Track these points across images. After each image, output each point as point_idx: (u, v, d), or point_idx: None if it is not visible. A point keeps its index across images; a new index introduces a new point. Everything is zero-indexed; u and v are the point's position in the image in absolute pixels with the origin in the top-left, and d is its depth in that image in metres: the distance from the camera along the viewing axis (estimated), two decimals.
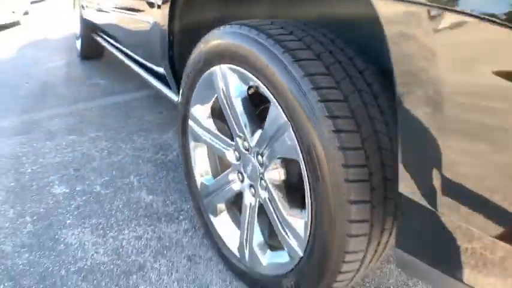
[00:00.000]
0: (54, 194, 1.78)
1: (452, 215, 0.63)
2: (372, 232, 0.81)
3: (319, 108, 0.76)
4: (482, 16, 0.51)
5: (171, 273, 1.28)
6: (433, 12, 0.56)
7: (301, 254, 0.93)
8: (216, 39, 1.03)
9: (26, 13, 10.66)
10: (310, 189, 0.84)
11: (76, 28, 4.25)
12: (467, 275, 0.65)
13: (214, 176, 1.30)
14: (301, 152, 0.82)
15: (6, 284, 1.30)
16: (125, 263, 1.34)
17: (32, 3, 12.67)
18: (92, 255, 1.39)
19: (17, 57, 5.03)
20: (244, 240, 1.13)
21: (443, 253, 0.68)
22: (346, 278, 0.89)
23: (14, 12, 8.58)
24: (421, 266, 0.73)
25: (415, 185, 0.68)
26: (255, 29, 0.90)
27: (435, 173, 0.64)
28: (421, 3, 0.58)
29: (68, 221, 1.58)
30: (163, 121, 2.47)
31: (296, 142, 0.83)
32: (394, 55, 0.64)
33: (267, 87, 0.88)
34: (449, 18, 0.55)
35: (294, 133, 0.83)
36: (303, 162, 0.83)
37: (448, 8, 0.54)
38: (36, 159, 2.13)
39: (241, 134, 1.05)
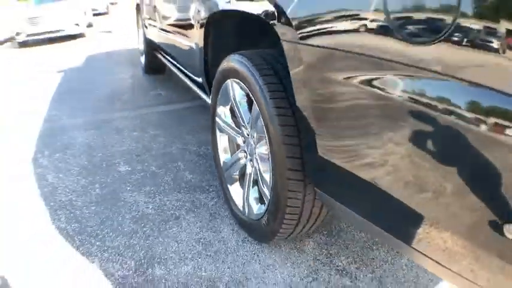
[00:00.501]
0: (119, 170, 2.41)
1: (344, 165, 1.11)
2: (306, 190, 1.30)
3: (271, 102, 1.28)
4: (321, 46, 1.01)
5: (197, 223, 1.83)
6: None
7: (268, 201, 1.45)
8: (228, 62, 1.59)
9: (89, 25, 11.87)
10: (270, 160, 1.35)
11: (140, 45, 5.03)
12: (363, 209, 1.10)
13: (231, 155, 1.85)
14: (266, 131, 1.34)
15: (73, 226, 1.90)
16: (165, 214, 1.91)
17: (94, 15, 13.90)
18: (143, 209, 1.98)
19: (85, 67, 5.95)
20: (245, 198, 1.65)
21: (347, 192, 1.15)
22: (289, 226, 1.39)
23: (77, 24, 9.65)
24: (336, 204, 1.20)
25: (323, 150, 1.16)
26: (245, 57, 1.44)
27: (327, 144, 1.12)
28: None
29: (128, 188, 2.19)
30: (209, 124, 3.06)
31: (263, 124, 1.35)
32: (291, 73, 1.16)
33: (250, 92, 1.42)
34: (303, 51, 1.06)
35: (262, 119, 1.35)
36: (266, 138, 1.35)
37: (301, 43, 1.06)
38: (106, 147, 2.79)
39: (244, 125, 1.59)
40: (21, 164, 2.63)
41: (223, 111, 1.80)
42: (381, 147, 0.91)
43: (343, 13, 0.94)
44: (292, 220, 1.38)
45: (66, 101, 4.10)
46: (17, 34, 9.40)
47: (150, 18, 3.84)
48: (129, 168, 2.43)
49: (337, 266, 1.52)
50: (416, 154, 0.82)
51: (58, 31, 9.34)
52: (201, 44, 2.03)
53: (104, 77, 5.09)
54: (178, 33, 2.69)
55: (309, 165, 1.25)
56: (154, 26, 3.67)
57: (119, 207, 2.02)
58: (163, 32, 3.23)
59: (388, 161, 0.91)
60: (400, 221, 0.95)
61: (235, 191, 1.79)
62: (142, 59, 4.89)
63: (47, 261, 1.65)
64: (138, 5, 4.73)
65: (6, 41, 10.70)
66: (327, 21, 0.99)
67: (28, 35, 9.32)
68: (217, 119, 1.84)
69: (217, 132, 1.88)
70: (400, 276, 1.45)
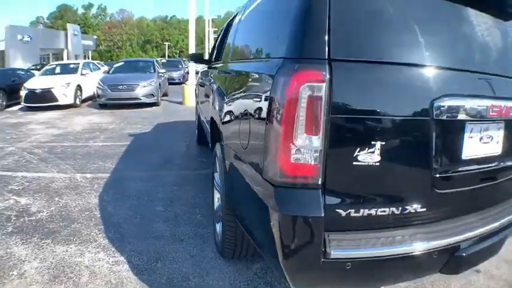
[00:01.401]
0: (156, 209, 3.49)
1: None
2: (238, 226, 2.25)
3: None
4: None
5: (194, 243, 2.80)
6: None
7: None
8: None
9: (165, 94, 13.67)
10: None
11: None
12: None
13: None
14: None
15: (112, 234, 2.94)
16: (179, 232, 2.92)
17: (171, 84, 15.69)
18: (160, 231, 3.00)
19: (151, 133, 7.40)
20: (215, 229, 2.62)
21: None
22: (230, 247, 2.34)
23: (152, 95, 11.45)
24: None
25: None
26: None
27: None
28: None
29: (157, 220, 3.24)
30: None
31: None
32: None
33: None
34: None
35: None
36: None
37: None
38: (152, 194, 3.92)
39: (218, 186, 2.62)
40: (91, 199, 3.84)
41: (216, 175, 2.84)
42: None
43: None
44: (230, 243, 2.33)
45: (131, 161, 5.41)
46: (99, 96, 11.41)
47: (197, 99, 5.20)
48: (163, 209, 3.51)
49: (266, 280, 2.38)
50: None
51: (134, 99, 11.12)
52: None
53: (165, 143, 6.45)
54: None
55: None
56: (199, 106, 4.99)
57: (148, 230, 3.06)
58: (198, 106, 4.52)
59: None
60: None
61: (217, 225, 2.76)
62: (197, 132, 6.19)
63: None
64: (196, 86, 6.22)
65: (89, 99, 12.88)
66: None
67: (108, 99, 11.22)
68: (214, 180, 2.89)
69: (214, 189, 2.92)
70: None
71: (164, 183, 4.28)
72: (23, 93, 11.20)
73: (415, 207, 1.59)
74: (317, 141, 1.42)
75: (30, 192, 4.03)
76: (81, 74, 12.50)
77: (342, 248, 1.45)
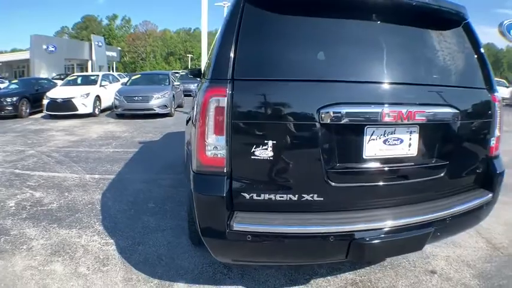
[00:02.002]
0: (148, 206, 4.05)
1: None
2: None
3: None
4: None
5: (175, 233, 3.34)
6: None
7: None
8: None
9: (179, 105, 14.25)
10: None
11: None
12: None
13: None
14: None
15: (107, 223, 3.51)
16: (166, 225, 3.46)
17: (186, 96, 16.11)
18: (148, 223, 3.55)
19: (159, 142, 8.02)
20: None
21: None
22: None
23: (166, 106, 12.10)
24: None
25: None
26: None
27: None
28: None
29: (148, 213, 3.80)
30: None
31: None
32: None
33: None
34: None
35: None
36: None
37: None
38: (148, 193, 4.49)
39: None
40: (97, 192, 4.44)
41: None
42: None
43: None
44: (192, 229, 2.83)
45: (136, 165, 6.02)
46: (116, 107, 12.19)
47: None
48: (154, 205, 4.07)
49: (221, 271, 2.86)
50: None
51: (149, 109, 11.84)
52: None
53: (169, 150, 7.05)
54: None
55: None
56: None
57: (138, 221, 3.62)
58: None
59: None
60: None
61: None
62: None
63: None
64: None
65: (108, 109, 13.65)
66: None
67: (124, 109, 11.97)
68: None
69: None
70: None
71: (161, 184, 4.85)
72: (45, 101, 12.11)
73: (311, 196, 2.02)
74: (223, 140, 1.93)
75: (45, 188, 4.68)
76: (100, 85, 13.38)
77: (243, 223, 1.93)
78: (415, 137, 2.18)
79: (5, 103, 11.90)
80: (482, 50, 2.48)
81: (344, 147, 2.07)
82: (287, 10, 2.06)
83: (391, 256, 2.77)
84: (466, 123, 2.33)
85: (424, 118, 2.12)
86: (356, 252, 2.04)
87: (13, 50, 55.35)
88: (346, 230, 2.02)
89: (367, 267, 2.80)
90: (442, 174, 2.30)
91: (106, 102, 13.35)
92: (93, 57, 38.16)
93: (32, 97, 12.77)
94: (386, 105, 2.04)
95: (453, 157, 2.31)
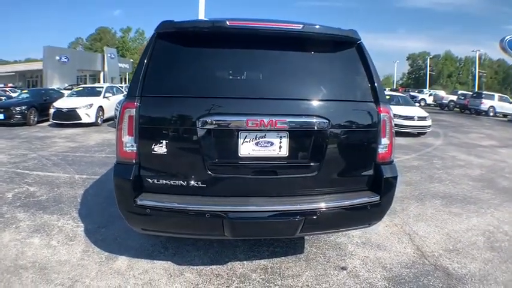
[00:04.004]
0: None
1: None
2: None
3: None
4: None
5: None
6: None
7: None
8: None
9: None
10: None
11: None
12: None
13: None
14: None
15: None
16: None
17: None
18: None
19: None
20: None
21: None
22: None
23: None
24: None
25: None
26: None
27: None
28: None
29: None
30: None
31: None
32: None
33: None
34: None
35: None
36: None
37: None
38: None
39: None
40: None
41: None
42: None
43: None
44: None
45: None
46: (116, 117, 12.72)
47: None
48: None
49: (165, 245, 3.68)
50: None
51: None
52: None
53: None
54: None
55: None
56: None
57: (107, 211, 4.45)
58: None
59: None
60: None
61: None
62: None
63: None
64: None
65: (111, 119, 14.42)
66: None
67: None
68: None
69: None
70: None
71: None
72: (51, 111, 13.11)
73: (196, 183, 2.63)
74: (133, 139, 2.62)
75: (39, 184, 5.58)
76: (104, 97, 14.35)
77: (144, 200, 2.62)
78: (285, 141, 2.62)
79: (14, 111, 12.92)
80: (371, 67, 2.78)
81: (223, 147, 2.64)
82: (183, 44, 2.75)
83: (264, 237, 3.29)
84: (343, 131, 2.70)
85: (286, 126, 2.58)
86: (229, 229, 2.55)
87: (27, 60, 57.20)
88: (219, 209, 2.54)
89: (283, 257, 3.28)
90: (315, 173, 2.68)
91: (109, 112, 14.25)
92: (106, 69, 39.30)
93: (40, 106, 13.78)
94: (249, 115, 2.54)
95: (327, 159, 2.67)
